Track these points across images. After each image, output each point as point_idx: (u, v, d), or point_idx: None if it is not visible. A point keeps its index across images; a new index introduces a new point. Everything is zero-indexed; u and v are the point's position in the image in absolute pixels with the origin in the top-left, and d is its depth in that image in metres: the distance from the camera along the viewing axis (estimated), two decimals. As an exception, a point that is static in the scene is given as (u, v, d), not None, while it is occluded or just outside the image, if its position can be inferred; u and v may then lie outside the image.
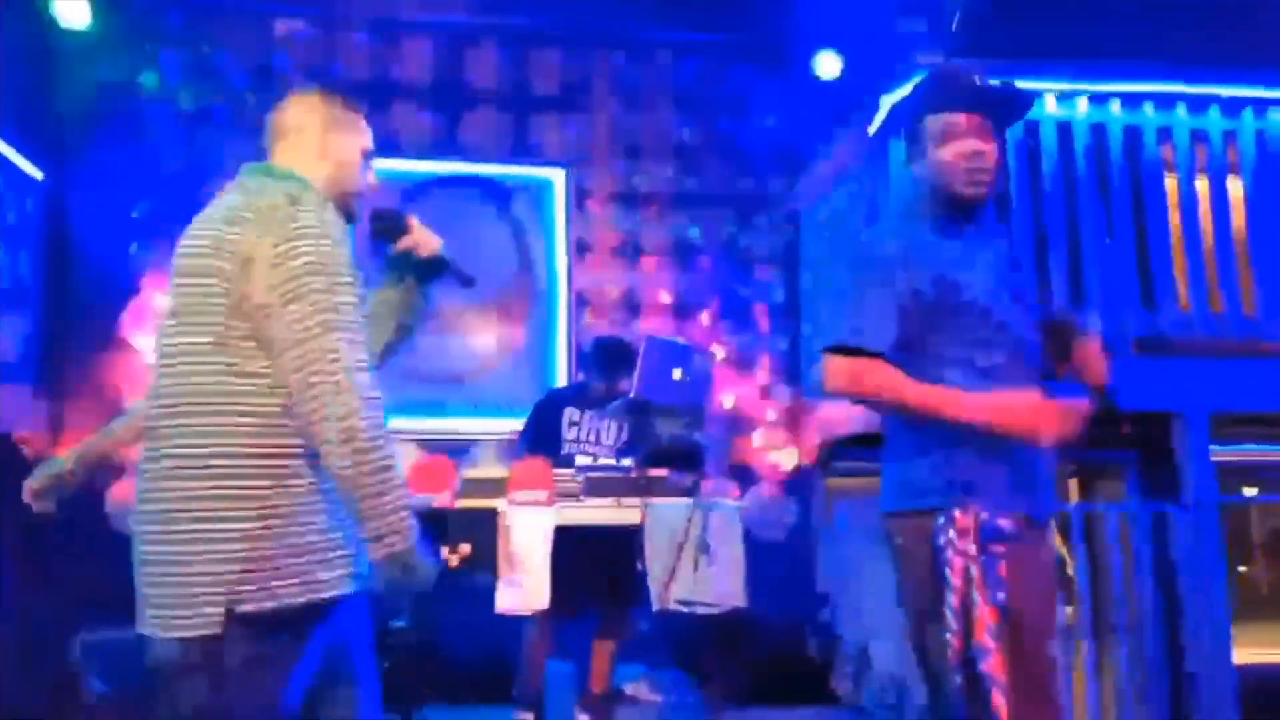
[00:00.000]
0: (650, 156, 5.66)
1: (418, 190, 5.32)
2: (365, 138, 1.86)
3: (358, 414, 1.50)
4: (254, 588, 1.52)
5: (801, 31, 5.58)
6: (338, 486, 1.54)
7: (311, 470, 1.59)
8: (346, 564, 1.61)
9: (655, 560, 3.34)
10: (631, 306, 5.52)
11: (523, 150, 5.49)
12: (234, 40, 5.29)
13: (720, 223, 5.70)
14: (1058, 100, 4.01)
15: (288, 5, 5.36)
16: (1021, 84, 3.89)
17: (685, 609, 3.42)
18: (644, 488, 3.35)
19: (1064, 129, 3.99)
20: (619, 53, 5.66)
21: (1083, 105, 4.01)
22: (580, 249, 5.53)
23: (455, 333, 5.06)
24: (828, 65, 5.60)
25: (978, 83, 1.99)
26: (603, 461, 3.68)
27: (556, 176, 5.51)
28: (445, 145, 5.42)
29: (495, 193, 5.38)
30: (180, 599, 1.54)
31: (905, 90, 4.03)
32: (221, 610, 1.52)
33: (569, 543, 3.33)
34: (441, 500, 3.44)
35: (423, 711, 3.89)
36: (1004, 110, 2.03)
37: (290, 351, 1.54)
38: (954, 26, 4.15)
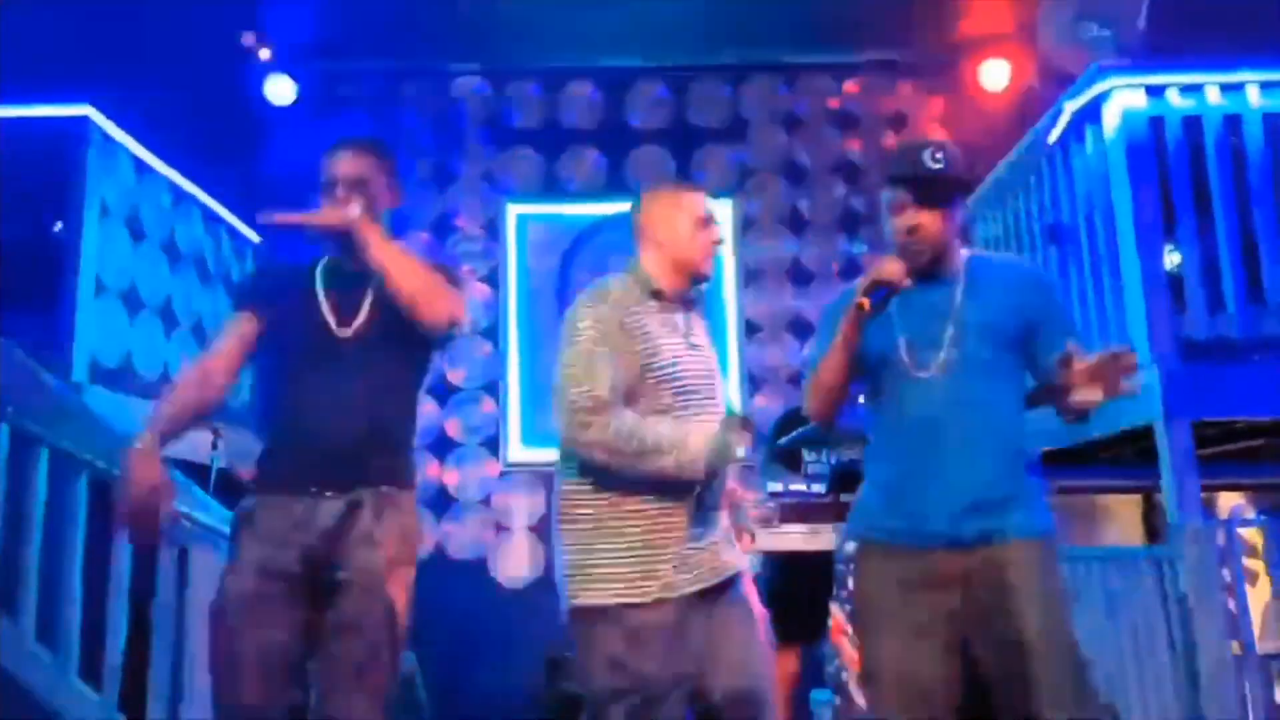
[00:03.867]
0: (814, 179, 5.67)
1: (587, 232, 5.50)
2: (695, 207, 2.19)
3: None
4: None
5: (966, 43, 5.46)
6: None
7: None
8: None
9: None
10: (799, 328, 5.49)
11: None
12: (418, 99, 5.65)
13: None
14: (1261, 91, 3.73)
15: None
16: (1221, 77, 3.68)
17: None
18: (840, 513, 3.28)
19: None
20: (777, 79, 5.72)
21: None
22: (749, 276, 5.56)
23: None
24: (994, 76, 5.45)
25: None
26: (794, 487, 3.64)
27: (723, 207, 5.56)
28: (611, 185, 5.59)
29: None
30: None
31: (1089, 95, 3.87)
32: None
33: (769, 569, 3.32)
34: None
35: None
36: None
37: None
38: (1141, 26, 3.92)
